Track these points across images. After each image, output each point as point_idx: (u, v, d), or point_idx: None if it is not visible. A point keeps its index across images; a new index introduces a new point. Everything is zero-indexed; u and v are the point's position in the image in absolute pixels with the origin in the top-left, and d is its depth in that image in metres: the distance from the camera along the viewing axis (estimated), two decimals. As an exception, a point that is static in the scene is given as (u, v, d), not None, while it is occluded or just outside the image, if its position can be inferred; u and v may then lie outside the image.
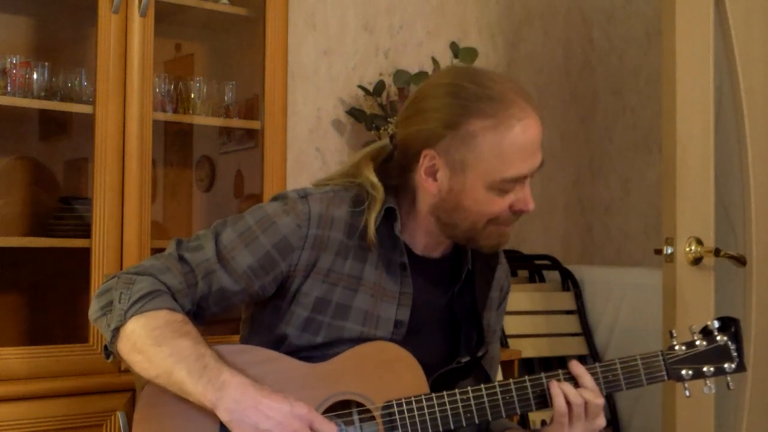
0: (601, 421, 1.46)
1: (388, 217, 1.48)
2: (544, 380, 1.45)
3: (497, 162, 1.39)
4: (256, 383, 1.32)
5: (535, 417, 2.76)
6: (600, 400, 1.45)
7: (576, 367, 1.46)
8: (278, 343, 1.45)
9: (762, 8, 2.64)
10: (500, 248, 1.53)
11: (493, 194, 1.41)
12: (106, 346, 1.40)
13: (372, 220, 1.45)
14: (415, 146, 1.45)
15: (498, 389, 1.43)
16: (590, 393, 1.44)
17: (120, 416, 2.07)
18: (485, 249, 1.49)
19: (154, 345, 1.32)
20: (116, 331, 1.36)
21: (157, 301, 1.36)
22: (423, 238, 1.51)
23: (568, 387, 1.44)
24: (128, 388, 2.05)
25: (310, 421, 1.31)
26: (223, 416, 1.29)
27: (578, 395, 1.43)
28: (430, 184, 1.44)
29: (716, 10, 2.51)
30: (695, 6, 2.43)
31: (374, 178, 1.48)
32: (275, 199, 1.49)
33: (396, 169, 1.52)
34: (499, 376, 1.82)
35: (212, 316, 1.47)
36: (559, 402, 1.43)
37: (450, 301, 1.54)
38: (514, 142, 1.38)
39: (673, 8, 2.37)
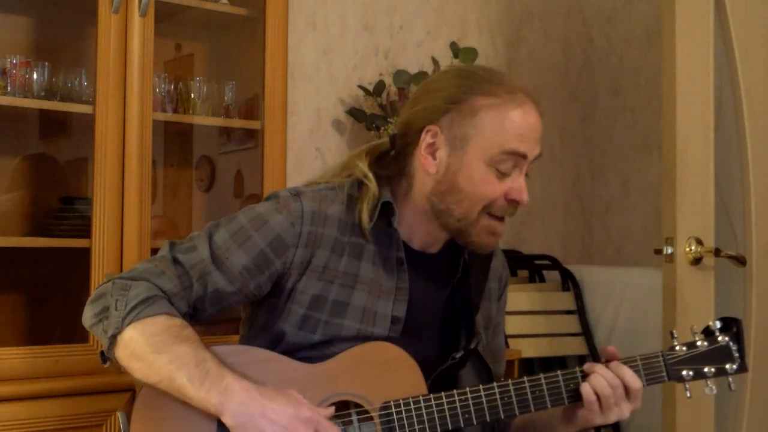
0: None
1: (385, 212, 1.47)
2: (543, 382, 1.45)
3: (497, 137, 1.41)
4: (259, 386, 1.31)
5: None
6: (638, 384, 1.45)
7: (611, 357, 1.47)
8: (276, 342, 1.45)
9: (762, 8, 2.64)
10: (489, 249, 1.49)
11: (490, 173, 1.42)
12: (102, 352, 1.39)
13: (365, 210, 1.45)
14: (418, 124, 1.46)
15: (496, 390, 1.43)
16: (630, 376, 1.44)
17: (120, 416, 2.06)
18: (475, 246, 1.47)
19: (153, 352, 1.31)
20: (114, 338, 1.35)
21: (155, 307, 1.35)
22: (420, 231, 1.50)
23: (604, 370, 1.43)
24: (128, 388, 2.05)
25: (315, 424, 1.30)
26: (228, 421, 1.28)
27: (615, 377, 1.43)
28: (428, 162, 1.45)
29: (716, 10, 2.51)
30: (695, 6, 2.43)
31: (367, 170, 1.49)
32: (267, 198, 1.49)
33: (393, 156, 1.52)
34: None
35: (209, 317, 1.46)
36: (588, 391, 1.42)
37: (449, 296, 1.54)
38: (515, 120, 1.42)
39: (673, 8, 2.37)
